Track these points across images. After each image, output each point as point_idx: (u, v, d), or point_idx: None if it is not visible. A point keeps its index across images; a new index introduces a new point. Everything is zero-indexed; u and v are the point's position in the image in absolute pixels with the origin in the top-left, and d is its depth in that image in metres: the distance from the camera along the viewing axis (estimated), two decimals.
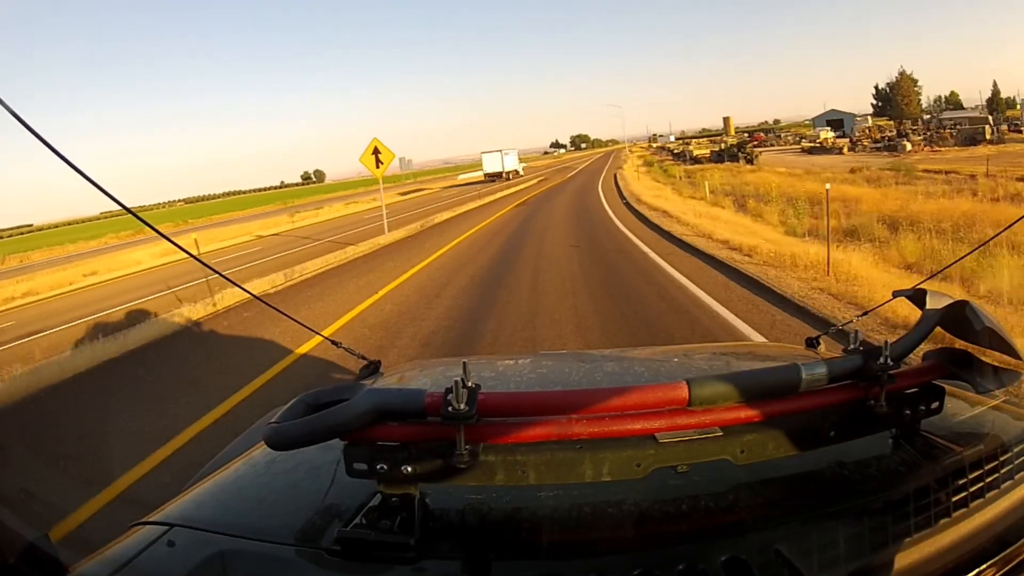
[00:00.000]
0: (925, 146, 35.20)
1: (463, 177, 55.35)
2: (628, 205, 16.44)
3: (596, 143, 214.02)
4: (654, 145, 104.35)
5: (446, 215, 18.73)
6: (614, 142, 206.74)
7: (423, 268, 9.50)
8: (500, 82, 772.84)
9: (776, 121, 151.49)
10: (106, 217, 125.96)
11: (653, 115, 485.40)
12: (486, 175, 44.63)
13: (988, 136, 34.06)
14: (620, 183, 25.89)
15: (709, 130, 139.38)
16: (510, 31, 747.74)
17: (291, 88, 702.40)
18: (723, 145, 43.64)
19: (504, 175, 43.36)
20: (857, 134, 47.07)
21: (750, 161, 34.97)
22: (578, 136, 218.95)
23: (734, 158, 36.48)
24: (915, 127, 47.46)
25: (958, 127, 38.83)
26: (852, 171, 23.93)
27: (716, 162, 37.48)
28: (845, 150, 39.08)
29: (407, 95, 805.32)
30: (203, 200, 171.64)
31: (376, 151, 15.23)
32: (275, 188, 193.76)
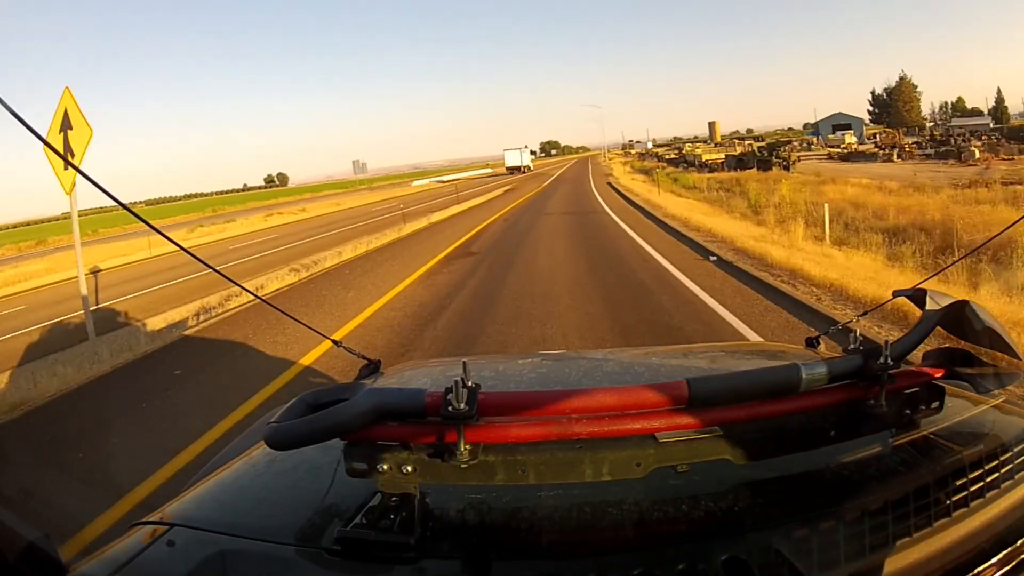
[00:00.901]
0: (987, 153, 28.72)
1: (417, 184, 55.09)
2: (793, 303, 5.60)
3: (567, 149, 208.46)
4: (632, 152, 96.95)
5: (281, 280, 9.02)
6: (584, 149, 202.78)
7: None
8: (470, 87, 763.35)
9: (749, 130, 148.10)
10: (67, 217, 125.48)
11: (625, 123, 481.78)
12: (508, 168, 57.32)
13: None
14: (634, 199, 17.25)
15: (681, 138, 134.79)
16: (480, 37, 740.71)
17: (261, 90, 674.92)
18: (747, 148, 34.59)
19: (522, 169, 56.11)
20: (867, 140, 40.92)
21: (786, 168, 26.59)
22: (548, 142, 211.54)
23: (764, 165, 27.90)
24: (926, 133, 44.98)
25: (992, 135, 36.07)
26: (981, 185, 15.87)
27: (737, 169, 29.05)
28: (895, 156, 31.15)
29: (378, 100, 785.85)
30: (165, 202, 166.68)
31: (66, 121, 6.06)
32: (237, 191, 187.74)
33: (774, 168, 27.29)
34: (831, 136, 50.77)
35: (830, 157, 37.92)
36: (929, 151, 32.93)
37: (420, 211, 20.06)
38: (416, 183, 57.18)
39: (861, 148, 38.13)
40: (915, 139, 39.58)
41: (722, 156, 34.99)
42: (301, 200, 52.66)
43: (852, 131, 49.24)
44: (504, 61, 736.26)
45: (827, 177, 21.53)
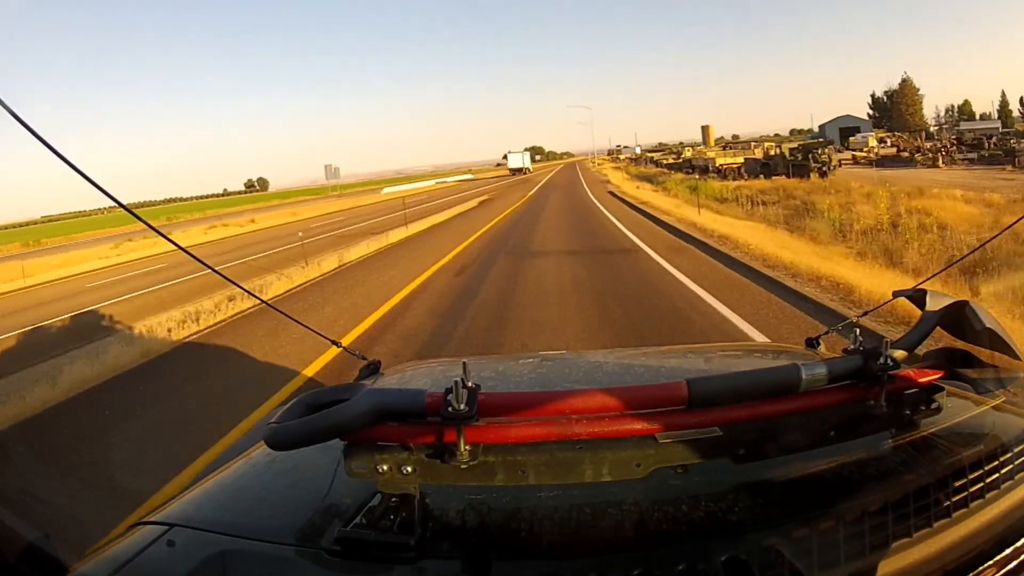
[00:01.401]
0: None
1: (387, 191, 53.31)
2: None
3: (551, 155, 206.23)
4: (622, 157, 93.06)
5: None
6: (569, 154, 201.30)
7: None
8: (453, 92, 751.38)
9: (735, 136, 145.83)
10: (46, 221, 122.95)
11: (611, 128, 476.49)
12: (511, 170, 63.13)
13: None
14: (665, 219, 12.66)
15: (667, 144, 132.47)
16: (463, 41, 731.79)
17: (244, 96, 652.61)
18: (768, 151, 29.78)
19: (523, 170, 61.75)
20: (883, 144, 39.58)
21: (824, 174, 22.18)
22: (532, 147, 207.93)
23: (801, 170, 23.38)
24: (941, 138, 41.86)
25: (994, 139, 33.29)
26: None
27: (761, 176, 24.80)
28: (939, 162, 26.92)
29: (361, 105, 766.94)
30: (140, 207, 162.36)
31: None
32: (217, 196, 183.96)
33: (812, 174, 22.79)
34: (852, 140, 46.79)
35: (855, 161, 33.91)
36: (971, 155, 29.52)
37: (356, 233, 15.37)
38: (386, 190, 54.24)
39: (883, 152, 34.19)
40: (931, 143, 36.10)
41: (740, 160, 30.33)
42: (268, 207, 50.20)
43: (871, 134, 45.46)
44: (488, 66, 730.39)
45: (910, 188, 16.24)
